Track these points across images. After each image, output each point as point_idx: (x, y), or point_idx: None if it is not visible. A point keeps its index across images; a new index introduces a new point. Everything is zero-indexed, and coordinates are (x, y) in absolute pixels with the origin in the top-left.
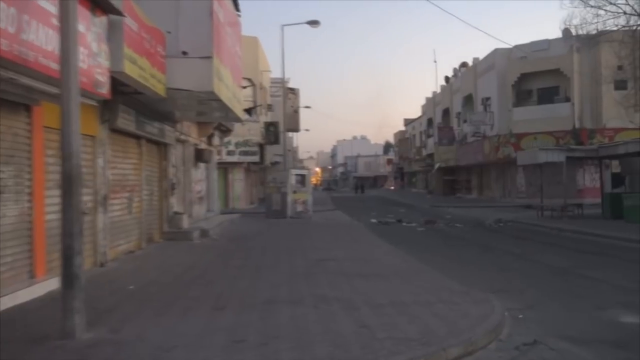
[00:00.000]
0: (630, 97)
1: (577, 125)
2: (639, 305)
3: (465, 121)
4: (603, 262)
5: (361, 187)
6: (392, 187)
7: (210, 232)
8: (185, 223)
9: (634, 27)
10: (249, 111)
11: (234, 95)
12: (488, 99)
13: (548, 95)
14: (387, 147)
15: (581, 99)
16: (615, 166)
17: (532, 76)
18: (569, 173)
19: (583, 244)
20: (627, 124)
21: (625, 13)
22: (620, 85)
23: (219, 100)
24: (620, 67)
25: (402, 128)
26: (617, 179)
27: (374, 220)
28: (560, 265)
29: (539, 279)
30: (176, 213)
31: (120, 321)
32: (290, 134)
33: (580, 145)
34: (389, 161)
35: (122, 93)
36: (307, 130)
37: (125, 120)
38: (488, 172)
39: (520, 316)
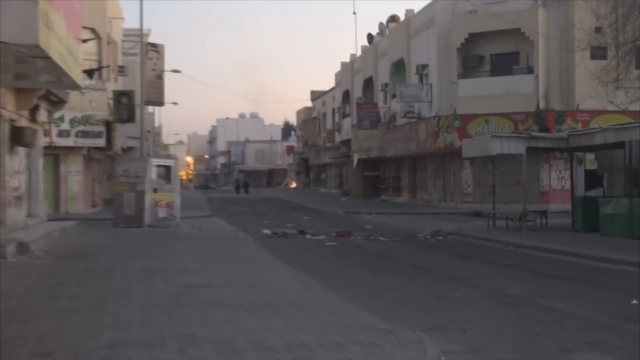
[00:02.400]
0: (611, 69)
1: (541, 106)
2: (614, 346)
3: (394, 96)
4: (571, 289)
5: (244, 185)
6: (294, 185)
7: (32, 246)
8: None
9: None
10: (90, 74)
11: (69, 52)
12: (425, 66)
13: (505, 64)
14: (287, 129)
15: (548, 71)
16: (591, 161)
17: (483, 38)
18: (531, 170)
19: (546, 265)
20: (607, 105)
21: None
22: (598, 53)
23: (46, 57)
24: (598, 30)
25: (309, 104)
26: (592, 178)
27: (267, 232)
28: (516, 293)
29: (488, 312)
30: None
31: None
32: (151, 108)
33: (546, 132)
34: (290, 149)
35: None
36: (175, 104)
37: None
38: (424, 166)
39: None
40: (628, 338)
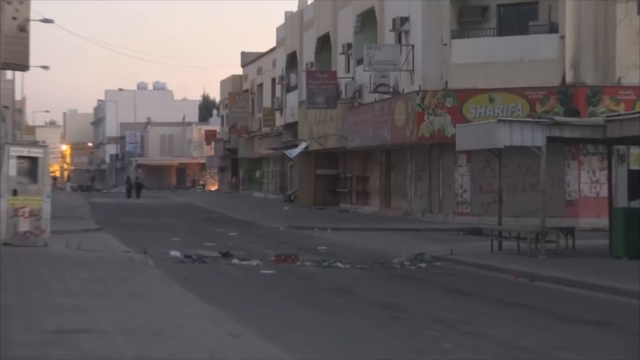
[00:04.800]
0: None
1: (568, 79)
2: None
3: (360, 62)
4: (606, 339)
5: (136, 186)
6: (216, 188)
7: None
8: None
9: None
10: None
11: None
12: (405, 20)
13: (518, 19)
14: (207, 107)
15: (577, 29)
16: (637, 159)
17: None
18: (553, 169)
19: (572, 304)
20: None
21: None
22: None
23: None
24: None
25: (238, 71)
26: (639, 183)
27: (176, 254)
28: (529, 345)
29: None
30: None
31: None
32: (10, 73)
33: (575, 115)
34: (210, 136)
35: None
36: (45, 68)
37: None
38: (401, 163)
39: None
40: None
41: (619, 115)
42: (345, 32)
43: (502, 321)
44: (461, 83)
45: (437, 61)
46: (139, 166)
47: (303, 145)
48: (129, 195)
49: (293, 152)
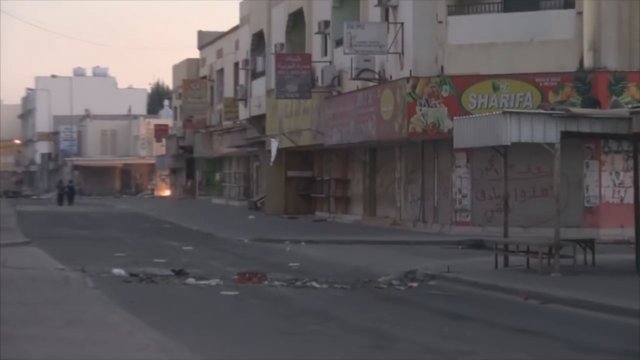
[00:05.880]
0: None
1: (587, 63)
2: None
3: (340, 43)
4: None
5: (69, 190)
6: (168, 193)
7: None
8: None
9: None
10: None
11: None
12: None
13: None
14: (158, 97)
15: (598, 3)
16: None
17: None
18: (569, 170)
19: (592, 330)
20: None
21: None
22: None
23: None
24: None
25: (194, 54)
26: None
27: (120, 272)
28: None
29: None
30: None
31: None
32: None
33: (594, 106)
34: (161, 131)
35: None
36: None
37: None
38: (389, 164)
39: None
40: None
41: None
42: (321, 7)
43: (509, 351)
44: (459, 68)
45: (431, 42)
46: (75, 168)
47: (275, 143)
48: (60, 202)
49: (272, 155)
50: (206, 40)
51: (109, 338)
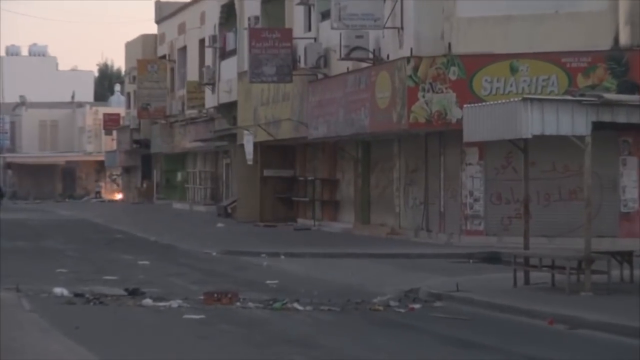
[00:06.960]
0: None
1: (623, 40)
2: None
3: (326, 16)
4: None
5: None
6: (120, 197)
7: None
8: None
9: None
10: None
11: None
12: None
13: None
14: (107, 81)
15: None
16: None
17: None
18: (602, 169)
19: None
20: None
21: None
22: None
23: None
24: None
25: (151, 29)
26: None
27: (62, 292)
28: None
29: None
30: None
31: None
32: None
33: (632, 92)
34: (111, 122)
35: None
36: None
37: None
38: (386, 160)
39: None
40: None
41: None
42: None
43: None
44: (470, 46)
45: (437, 15)
46: (8, 166)
47: (250, 137)
48: None
49: (247, 151)
50: (166, 12)
51: None
